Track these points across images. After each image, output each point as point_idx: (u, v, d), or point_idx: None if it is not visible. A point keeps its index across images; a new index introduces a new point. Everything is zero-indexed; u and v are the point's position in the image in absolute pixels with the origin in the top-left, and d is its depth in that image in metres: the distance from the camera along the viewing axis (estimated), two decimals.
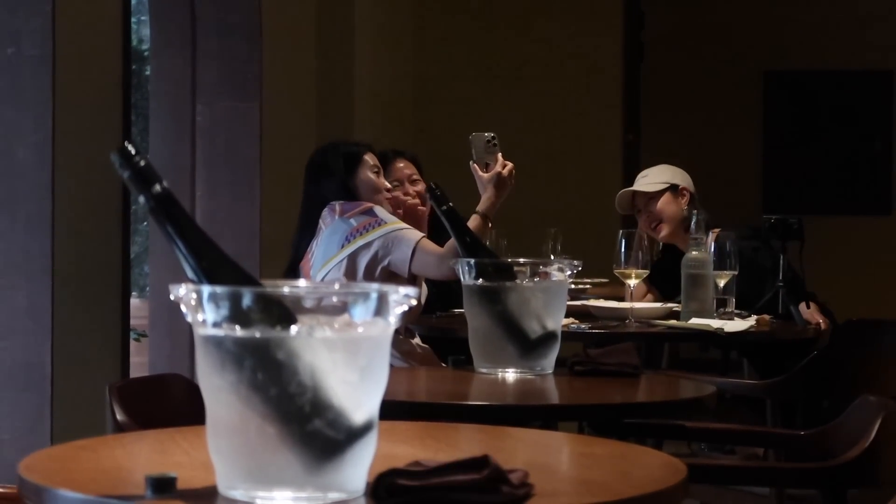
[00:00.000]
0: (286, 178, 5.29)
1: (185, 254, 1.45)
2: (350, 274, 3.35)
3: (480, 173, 3.47)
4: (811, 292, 3.98)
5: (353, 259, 3.36)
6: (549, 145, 7.13)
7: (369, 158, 3.58)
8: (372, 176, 3.55)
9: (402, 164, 4.02)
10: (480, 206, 3.45)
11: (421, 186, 4.06)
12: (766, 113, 8.64)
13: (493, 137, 3.51)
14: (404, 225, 3.43)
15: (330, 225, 3.43)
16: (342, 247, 3.37)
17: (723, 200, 6.67)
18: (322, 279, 3.36)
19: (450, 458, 1.37)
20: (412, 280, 3.40)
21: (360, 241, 3.36)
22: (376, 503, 1.32)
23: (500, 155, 3.47)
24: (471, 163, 3.49)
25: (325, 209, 3.48)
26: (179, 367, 4.61)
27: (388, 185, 3.62)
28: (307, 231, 3.53)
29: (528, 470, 1.41)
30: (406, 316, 3.39)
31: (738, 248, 3.75)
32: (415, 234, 3.37)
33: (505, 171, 3.45)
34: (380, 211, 3.43)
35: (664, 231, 4.20)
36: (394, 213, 3.54)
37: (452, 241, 3.16)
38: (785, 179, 8.57)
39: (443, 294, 3.91)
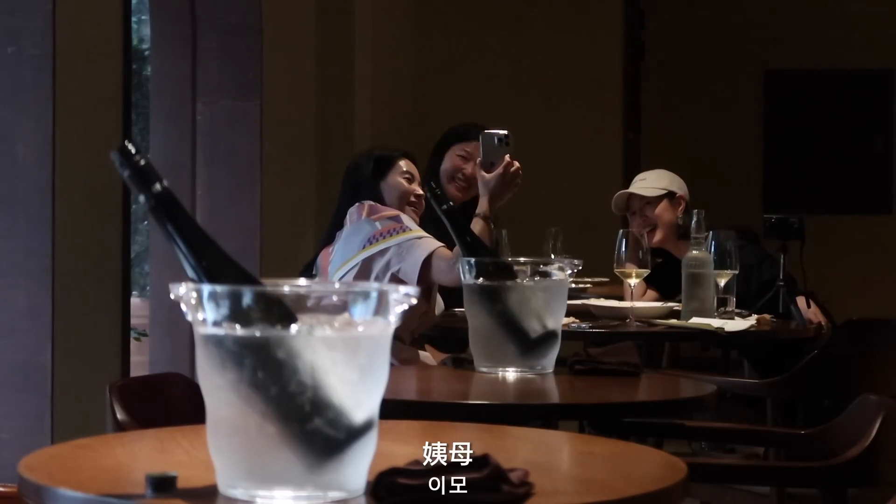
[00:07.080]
0: (286, 177, 5.30)
1: (185, 253, 1.45)
2: (361, 279, 3.31)
3: (482, 173, 3.32)
4: (811, 291, 3.98)
5: (367, 263, 3.32)
6: (550, 144, 7.13)
7: (403, 164, 3.49)
8: (402, 181, 3.46)
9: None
10: (479, 209, 3.32)
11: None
12: (767, 112, 8.65)
13: (506, 136, 3.29)
14: (425, 234, 3.33)
15: (355, 223, 3.39)
16: (363, 248, 3.32)
17: (723, 200, 6.68)
18: (339, 279, 3.33)
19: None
20: (425, 290, 3.35)
21: (379, 246, 3.31)
22: (376, 502, 1.32)
23: (507, 156, 3.28)
24: (477, 162, 3.33)
25: (354, 206, 3.43)
26: (180, 367, 4.61)
27: (420, 192, 3.47)
28: (336, 230, 3.50)
29: (528, 469, 1.41)
30: (420, 324, 3.41)
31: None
32: (432, 243, 3.28)
33: (510, 171, 3.28)
34: (405, 219, 3.36)
35: (657, 237, 4.19)
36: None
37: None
38: (785, 179, 8.57)
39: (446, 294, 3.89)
